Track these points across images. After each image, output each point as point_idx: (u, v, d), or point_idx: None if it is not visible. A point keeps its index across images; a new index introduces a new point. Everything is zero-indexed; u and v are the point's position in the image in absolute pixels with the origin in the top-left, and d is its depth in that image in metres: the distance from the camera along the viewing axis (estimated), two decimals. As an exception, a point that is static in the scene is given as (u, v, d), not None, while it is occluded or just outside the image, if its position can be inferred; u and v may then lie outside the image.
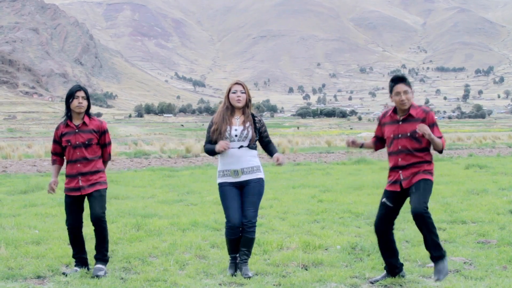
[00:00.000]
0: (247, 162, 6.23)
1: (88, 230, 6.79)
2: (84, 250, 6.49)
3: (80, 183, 6.31)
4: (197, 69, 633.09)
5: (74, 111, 6.35)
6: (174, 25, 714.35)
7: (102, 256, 6.29)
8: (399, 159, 5.91)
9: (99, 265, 6.22)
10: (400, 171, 5.92)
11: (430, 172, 5.87)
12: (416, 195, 5.76)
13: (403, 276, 6.09)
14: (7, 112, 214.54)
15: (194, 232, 8.52)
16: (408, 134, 5.84)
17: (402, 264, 6.17)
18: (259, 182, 6.27)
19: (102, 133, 6.42)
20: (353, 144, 6.34)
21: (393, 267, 6.09)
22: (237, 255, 6.32)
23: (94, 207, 6.27)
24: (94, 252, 6.36)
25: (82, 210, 6.45)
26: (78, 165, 6.31)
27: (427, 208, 5.74)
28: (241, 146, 6.23)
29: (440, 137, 5.82)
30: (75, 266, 6.43)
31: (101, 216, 6.27)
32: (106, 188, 6.44)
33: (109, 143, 6.53)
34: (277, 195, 12.55)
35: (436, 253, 5.74)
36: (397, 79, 5.92)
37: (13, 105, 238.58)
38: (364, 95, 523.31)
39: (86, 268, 6.38)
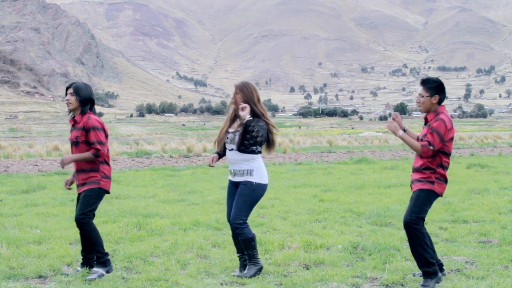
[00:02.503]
0: (238, 165, 6.24)
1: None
2: (90, 250, 6.36)
3: (77, 181, 6.29)
4: (199, 69, 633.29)
5: None
6: (176, 24, 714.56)
7: (96, 258, 6.17)
8: (414, 161, 5.96)
9: (94, 268, 6.13)
10: (412, 173, 5.97)
11: (431, 181, 5.78)
12: (409, 206, 5.78)
13: (443, 275, 6.05)
14: (9, 111, 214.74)
15: (195, 231, 8.52)
16: (421, 138, 5.83)
17: (441, 263, 6.09)
18: (247, 185, 6.20)
19: (87, 130, 6.15)
20: (396, 119, 5.99)
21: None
22: (245, 256, 6.34)
23: (76, 209, 6.19)
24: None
25: None
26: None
27: (416, 219, 5.69)
28: (232, 149, 6.26)
29: (427, 143, 5.65)
30: (80, 266, 6.39)
31: (79, 218, 6.09)
32: (94, 188, 6.16)
33: (98, 142, 6.12)
34: (278, 195, 12.54)
35: (423, 268, 5.70)
36: (421, 81, 5.93)
37: (15, 104, 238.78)
38: (365, 95, 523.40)
39: (88, 268, 6.36)
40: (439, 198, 5.98)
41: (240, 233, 6.15)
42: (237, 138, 6.18)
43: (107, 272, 6.17)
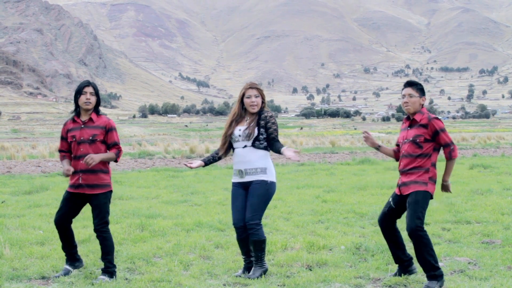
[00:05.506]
0: (251, 163, 6.16)
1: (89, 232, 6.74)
2: (72, 245, 6.36)
3: (80, 181, 6.15)
4: (201, 70, 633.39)
5: (82, 108, 6.22)
6: (178, 25, 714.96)
7: (105, 268, 6.15)
8: (401, 163, 6.01)
9: (100, 276, 6.10)
10: (401, 176, 6.03)
11: (425, 182, 5.85)
12: (409, 211, 5.79)
13: (413, 272, 6.14)
14: (12, 112, 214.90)
15: (198, 232, 8.52)
16: (411, 139, 5.91)
17: (411, 257, 6.20)
18: (261, 184, 6.15)
19: (109, 130, 6.20)
20: (368, 139, 6.30)
21: (400, 260, 6.17)
22: (250, 258, 6.32)
23: (94, 218, 6.15)
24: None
25: (76, 211, 6.28)
26: (81, 161, 6.13)
27: (421, 223, 5.74)
28: (245, 146, 6.18)
29: (448, 145, 5.87)
30: (66, 264, 6.35)
31: (100, 227, 6.11)
32: (107, 192, 6.21)
33: (119, 142, 6.27)
34: (281, 196, 12.54)
35: (430, 272, 5.73)
36: (406, 83, 6.07)
37: (18, 105, 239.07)
38: (368, 95, 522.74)
39: (79, 264, 6.36)
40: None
41: (255, 233, 6.10)
42: (253, 132, 6.12)
43: None
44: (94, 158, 6.02)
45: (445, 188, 6.03)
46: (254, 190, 6.15)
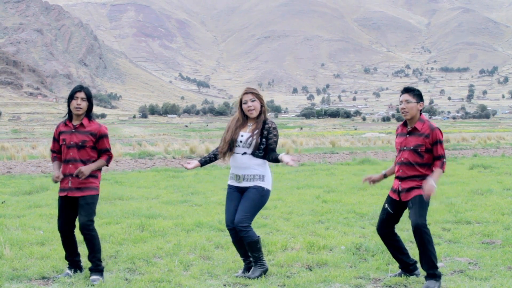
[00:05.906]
0: (250, 169, 6.19)
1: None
2: (76, 253, 6.37)
3: (70, 184, 6.14)
4: (201, 70, 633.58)
5: (73, 112, 6.20)
6: (178, 25, 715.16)
7: (95, 266, 6.13)
8: (400, 171, 6.01)
9: (93, 276, 6.07)
10: (400, 182, 6.01)
11: None
12: (414, 210, 5.82)
13: (417, 275, 6.14)
14: (12, 113, 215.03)
15: (198, 232, 8.52)
16: (411, 148, 5.92)
17: (415, 261, 6.22)
18: (257, 189, 6.17)
19: (99, 137, 6.19)
20: (374, 182, 6.37)
21: (406, 264, 6.18)
22: (250, 259, 6.32)
23: (80, 216, 6.11)
24: (86, 253, 6.27)
25: (74, 213, 6.26)
26: (70, 165, 6.14)
27: (425, 221, 5.79)
28: (245, 153, 6.20)
29: (441, 157, 5.86)
30: (68, 269, 6.34)
31: (87, 225, 6.07)
32: (95, 195, 6.19)
33: (110, 149, 6.30)
34: (281, 196, 12.54)
35: (430, 270, 5.75)
36: (403, 90, 6.09)
37: (18, 106, 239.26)
38: (368, 96, 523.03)
39: (79, 271, 6.32)
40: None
41: (246, 236, 6.10)
42: (255, 141, 6.15)
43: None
44: (84, 172, 6.05)
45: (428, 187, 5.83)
46: (249, 194, 6.18)
